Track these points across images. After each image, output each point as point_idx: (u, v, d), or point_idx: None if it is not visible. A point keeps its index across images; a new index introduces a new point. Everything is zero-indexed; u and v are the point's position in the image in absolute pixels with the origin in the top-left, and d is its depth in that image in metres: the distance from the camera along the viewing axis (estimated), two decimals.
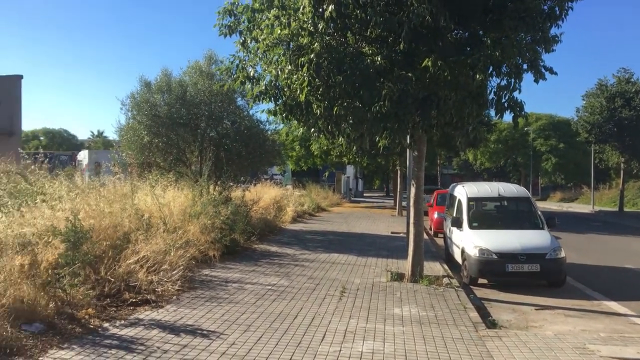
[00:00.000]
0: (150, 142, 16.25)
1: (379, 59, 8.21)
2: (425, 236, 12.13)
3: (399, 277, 9.83)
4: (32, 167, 10.40)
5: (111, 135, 70.20)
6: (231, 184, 16.04)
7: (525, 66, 8.32)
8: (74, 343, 5.44)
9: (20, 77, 31.60)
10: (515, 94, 8.38)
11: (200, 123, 16.79)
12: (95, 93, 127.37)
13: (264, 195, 20.93)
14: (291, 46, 8.47)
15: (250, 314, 6.95)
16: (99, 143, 68.96)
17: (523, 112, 8.46)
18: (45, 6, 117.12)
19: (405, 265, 10.17)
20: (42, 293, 6.09)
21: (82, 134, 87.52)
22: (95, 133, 78.92)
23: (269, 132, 19.37)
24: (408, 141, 9.49)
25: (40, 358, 4.98)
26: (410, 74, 8.07)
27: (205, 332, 6.07)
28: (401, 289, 8.97)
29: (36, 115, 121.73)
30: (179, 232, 9.82)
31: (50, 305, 6.10)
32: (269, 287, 8.62)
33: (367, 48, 8.66)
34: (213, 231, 10.88)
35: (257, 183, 23.29)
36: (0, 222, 7.38)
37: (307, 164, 39.43)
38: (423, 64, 7.88)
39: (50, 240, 7.02)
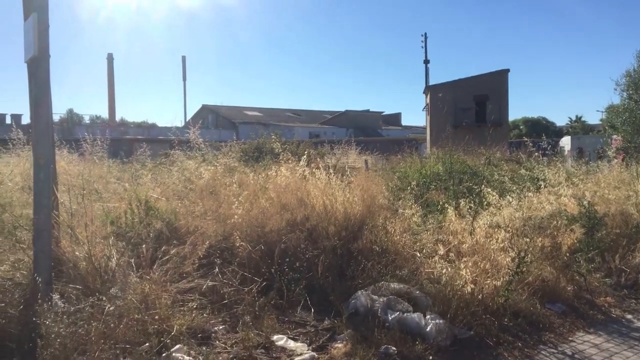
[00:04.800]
0: None
1: None
2: None
3: None
4: (536, 154, 10.95)
5: (590, 119, 67.22)
6: None
7: None
8: (599, 329, 5.40)
9: (507, 71, 34.07)
10: None
11: None
12: (575, 78, 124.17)
13: None
14: None
15: None
16: (578, 128, 67.14)
17: None
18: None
19: None
20: (562, 275, 6.33)
21: (560, 121, 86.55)
22: (573, 118, 76.95)
23: None
24: None
25: (570, 337, 5.16)
26: None
27: None
28: None
29: (517, 105, 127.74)
30: None
31: (569, 288, 6.27)
32: None
33: None
34: None
35: None
36: (510, 205, 8.09)
37: None
38: None
39: (559, 224, 7.24)
